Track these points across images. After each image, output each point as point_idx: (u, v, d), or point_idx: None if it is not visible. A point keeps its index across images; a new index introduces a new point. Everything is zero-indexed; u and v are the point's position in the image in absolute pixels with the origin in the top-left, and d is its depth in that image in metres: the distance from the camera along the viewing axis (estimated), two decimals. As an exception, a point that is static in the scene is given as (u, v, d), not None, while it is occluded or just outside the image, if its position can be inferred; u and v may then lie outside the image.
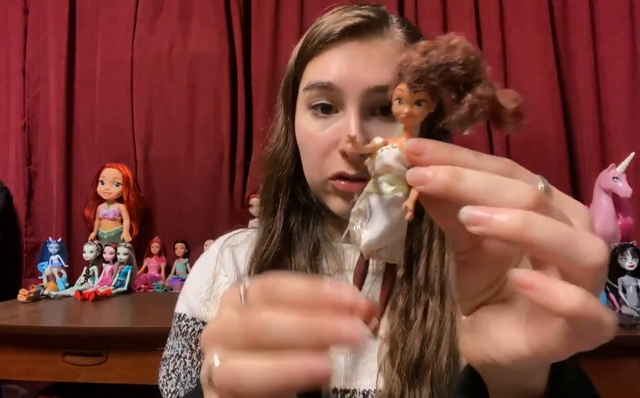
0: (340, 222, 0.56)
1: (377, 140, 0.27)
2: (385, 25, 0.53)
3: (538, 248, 0.22)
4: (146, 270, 1.83)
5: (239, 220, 1.73)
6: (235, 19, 1.89)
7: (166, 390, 0.56)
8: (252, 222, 1.68)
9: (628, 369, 1.14)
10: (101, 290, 1.60)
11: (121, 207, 1.82)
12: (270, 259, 0.56)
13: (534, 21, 1.77)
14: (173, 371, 0.57)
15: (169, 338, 0.61)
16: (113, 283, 1.67)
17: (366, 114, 0.51)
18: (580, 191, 1.73)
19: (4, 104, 2.00)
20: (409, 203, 0.24)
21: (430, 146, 0.25)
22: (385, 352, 0.52)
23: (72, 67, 1.96)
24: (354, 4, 0.55)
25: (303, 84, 0.55)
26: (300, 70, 0.56)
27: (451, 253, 0.29)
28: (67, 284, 1.70)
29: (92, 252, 1.72)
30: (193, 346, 0.57)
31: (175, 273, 1.82)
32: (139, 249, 1.85)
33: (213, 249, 0.64)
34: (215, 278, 0.60)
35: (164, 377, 0.57)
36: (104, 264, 1.72)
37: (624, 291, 1.31)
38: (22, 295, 1.53)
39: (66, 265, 1.74)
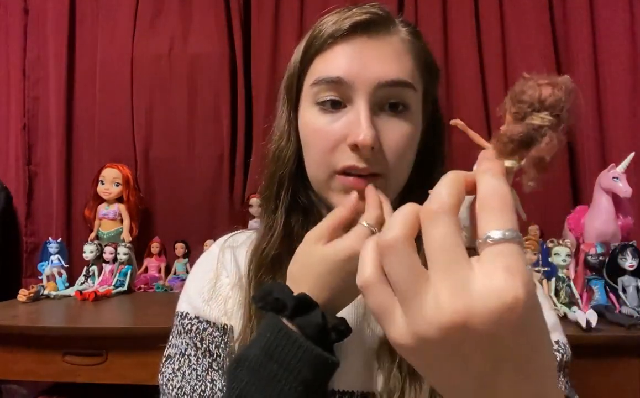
0: None
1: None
2: (391, 23, 0.54)
3: None
4: (146, 270, 1.83)
5: (239, 220, 1.73)
6: (235, 19, 1.89)
7: (171, 386, 0.56)
8: (252, 222, 1.68)
9: (628, 369, 1.14)
10: (101, 290, 1.60)
11: (121, 207, 1.82)
12: (270, 259, 0.55)
13: (534, 21, 1.77)
14: (178, 369, 0.56)
15: (171, 337, 0.60)
16: (113, 283, 1.67)
17: (375, 109, 0.51)
18: (580, 191, 1.73)
19: (4, 104, 2.00)
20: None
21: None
22: (385, 349, 0.52)
23: (72, 67, 1.96)
24: (354, 5, 0.55)
25: (310, 80, 0.54)
26: (306, 66, 0.55)
27: None
28: (67, 284, 1.70)
29: (92, 252, 1.72)
30: (198, 344, 0.57)
31: (175, 273, 1.82)
32: (139, 249, 1.85)
33: (214, 250, 0.64)
34: (217, 278, 0.60)
35: (169, 374, 0.57)
36: (104, 264, 1.72)
37: (624, 291, 1.31)
38: (22, 295, 1.53)
39: (66, 265, 1.74)
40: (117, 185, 1.81)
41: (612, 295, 1.33)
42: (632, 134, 1.67)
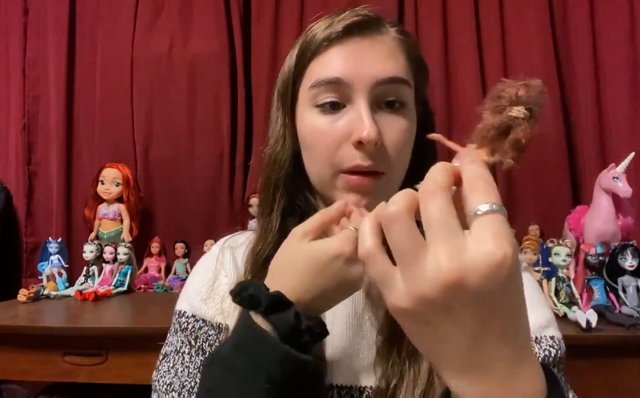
0: None
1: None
2: (381, 24, 0.56)
3: None
4: (146, 270, 1.83)
5: (239, 220, 1.73)
6: (235, 19, 1.89)
7: (162, 382, 0.56)
8: (252, 222, 1.68)
9: (628, 369, 1.14)
10: (101, 290, 1.60)
11: (121, 207, 1.82)
12: (265, 260, 0.56)
13: (534, 21, 1.77)
14: (172, 367, 0.57)
15: (168, 335, 0.61)
16: (113, 283, 1.67)
17: (373, 107, 0.52)
18: (580, 191, 1.73)
19: (4, 104, 2.00)
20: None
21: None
22: (383, 337, 0.53)
23: (72, 67, 1.96)
24: (349, 7, 0.56)
25: (307, 83, 0.55)
26: (301, 70, 0.56)
27: None
28: (67, 284, 1.70)
29: (92, 252, 1.72)
30: (192, 342, 0.57)
31: (175, 273, 1.82)
32: (139, 249, 1.85)
33: (214, 250, 0.65)
34: (215, 278, 0.61)
35: (164, 372, 0.57)
36: (104, 264, 1.72)
37: (624, 291, 1.31)
38: (22, 295, 1.53)
39: (66, 265, 1.74)
40: (117, 185, 1.81)
41: (612, 295, 1.33)
42: (632, 134, 1.67)
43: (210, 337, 0.57)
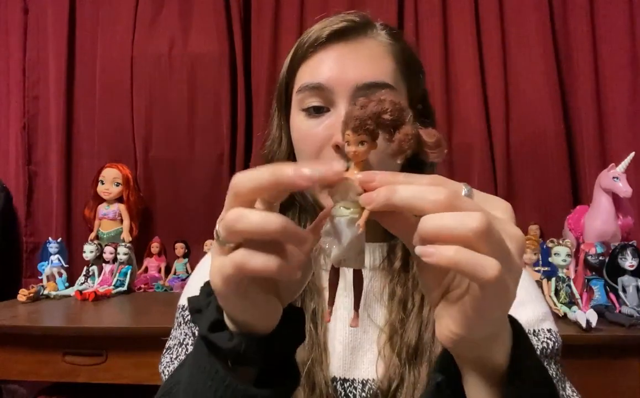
0: None
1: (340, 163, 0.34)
2: (369, 27, 0.57)
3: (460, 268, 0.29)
4: (146, 270, 1.83)
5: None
6: (235, 19, 1.89)
7: (167, 372, 0.58)
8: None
9: (628, 369, 1.14)
10: (101, 290, 1.60)
11: (121, 207, 1.82)
12: None
13: (534, 21, 1.76)
14: (176, 358, 0.59)
15: (172, 329, 0.63)
16: (113, 283, 1.67)
17: None
18: (580, 191, 1.73)
19: (4, 104, 2.00)
20: (361, 221, 0.31)
21: (377, 175, 0.32)
22: (385, 338, 0.55)
23: (72, 67, 1.96)
24: (348, 9, 0.58)
25: (296, 88, 0.58)
26: (292, 75, 0.59)
27: (414, 257, 0.35)
28: (67, 284, 1.70)
29: (92, 252, 1.72)
30: (195, 333, 0.59)
31: (175, 273, 1.82)
32: (139, 249, 1.85)
33: None
34: None
35: (167, 362, 0.60)
36: (104, 264, 1.72)
37: (624, 291, 1.31)
38: (22, 295, 1.53)
39: (66, 265, 1.74)
40: (117, 185, 1.81)
41: (612, 295, 1.33)
42: (632, 134, 1.67)
43: None
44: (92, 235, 1.82)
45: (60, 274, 1.70)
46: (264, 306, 0.35)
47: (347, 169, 0.33)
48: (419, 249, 0.29)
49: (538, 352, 0.54)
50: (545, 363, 0.55)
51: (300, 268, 0.33)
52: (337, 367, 0.56)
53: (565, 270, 1.37)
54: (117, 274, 1.70)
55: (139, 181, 1.90)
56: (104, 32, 1.95)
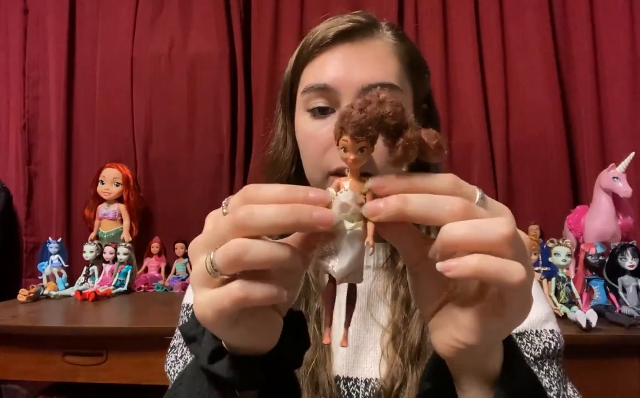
0: None
1: (331, 190, 0.31)
2: (375, 28, 0.57)
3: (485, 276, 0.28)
4: (146, 270, 1.83)
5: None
6: (235, 19, 1.89)
7: (173, 372, 0.59)
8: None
9: (628, 369, 1.14)
10: (101, 290, 1.60)
11: (121, 207, 1.82)
12: None
13: (534, 21, 1.76)
14: (181, 357, 0.59)
15: (176, 328, 0.64)
16: (113, 283, 1.67)
17: None
18: (580, 191, 1.73)
19: (4, 104, 2.00)
20: (370, 239, 0.29)
21: (389, 180, 0.30)
22: (388, 338, 0.55)
23: (72, 67, 1.96)
24: (349, 10, 0.58)
25: (300, 88, 0.57)
26: (297, 75, 0.59)
27: (407, 269, 0.35)
28: (67, 284, 1.70)
29: (92, 252, 1.72)
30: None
31: (175, 273, 1.82)
32: (139, 249, 1.85)
33: None
34: None
35: (172, 361, 0.60)
36: (104, 264, 1.72)
37: (624, 291, 1.31)
38: (22, 295, 1.53)
39: (66, 265, 1.74)
40: (117, 185, 1.81)
41: (612, 295, 1.32)
42: (632, 134, 1.67)
43: None
44: (92, 235, 1.81)
45: (60, 274, 1.70)
46: (263, 326, 0.33)
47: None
48: (440, 265, 0.28)
49: (540, 352, 0.55)
50: (547, 363, 0.55)
51: (299, 284, 0.32)
52: (340, 365, 0.56)
53: (565, 270, 1.37)
54: (117, 274, 1.70)
55: (139, 181, 1.90)
56: (104, 32, 1.95)
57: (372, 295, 0.59)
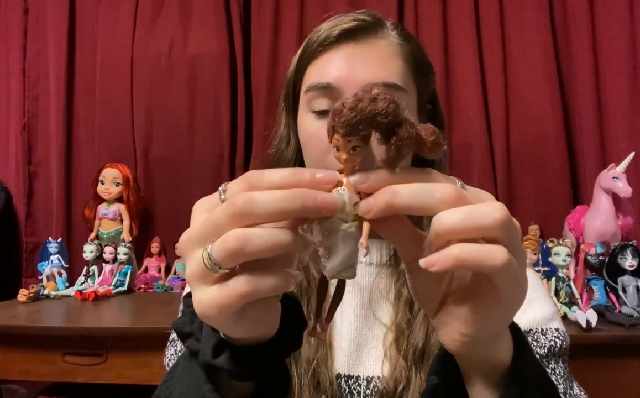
0: None
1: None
2: (379, 27, 0.56)
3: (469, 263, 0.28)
4: (146, 270, 1.83)
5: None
6: (235, 19, 1.89)
7: (172, 364, 0.58)
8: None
9: (628, 369, 1.14)
10: (101, 290, 1.60)
11: (121, 207, 1.82)
12: None
13: (534, 21, 1.76)
14: (180, 350, 0.59)
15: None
16: (113, 283, 1.67)
17: None
18: (580, 191, 1.73)
19: (4, 104, 2.00)
20: (364, 240, 0.29)
21: (370, 174, 0.29)
22: (391, 339, 0.55)
23: (72, 67, 1.96)
24: (350, 9, 0.57)
25: (304, 87, 0.57)
26: (300, 74, 0.58)
27: (405, 267, 0.34)
28: (67, 284, 1.70)
29: (92, 252, 1.72)
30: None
31: (175, 273, 1.82)
32: (139, 249, 1.85)
33: None
34: None
35: (171, 355, 0.60)
36: (104, 264, 1.72)
37: (624, 291, 1.31)
38: (22, 295, 1.53)
39: (66, 265, 1.74)
40: (117, 185, 1.81)
41: (612, 295, 1.33)
42: (632, 134, 1.67)
43: None
44: (92, 235, 1.81)
45: (60, 274, 1.70)
46: (266, 315, 0.32)
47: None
48: (423, 262, 0.28)
49: (545, 351, 0.55)
50: (553, 361, 0.55)
51: (294, 265, 0.31)
52: (342, 363, 0.56)
53: (565, 270, 1.37)
54: (117, 274, 1.70)
55: (139, 181, 1.90)
56: (104, 32, 1.95)
57: (374, 293, 0.58)
